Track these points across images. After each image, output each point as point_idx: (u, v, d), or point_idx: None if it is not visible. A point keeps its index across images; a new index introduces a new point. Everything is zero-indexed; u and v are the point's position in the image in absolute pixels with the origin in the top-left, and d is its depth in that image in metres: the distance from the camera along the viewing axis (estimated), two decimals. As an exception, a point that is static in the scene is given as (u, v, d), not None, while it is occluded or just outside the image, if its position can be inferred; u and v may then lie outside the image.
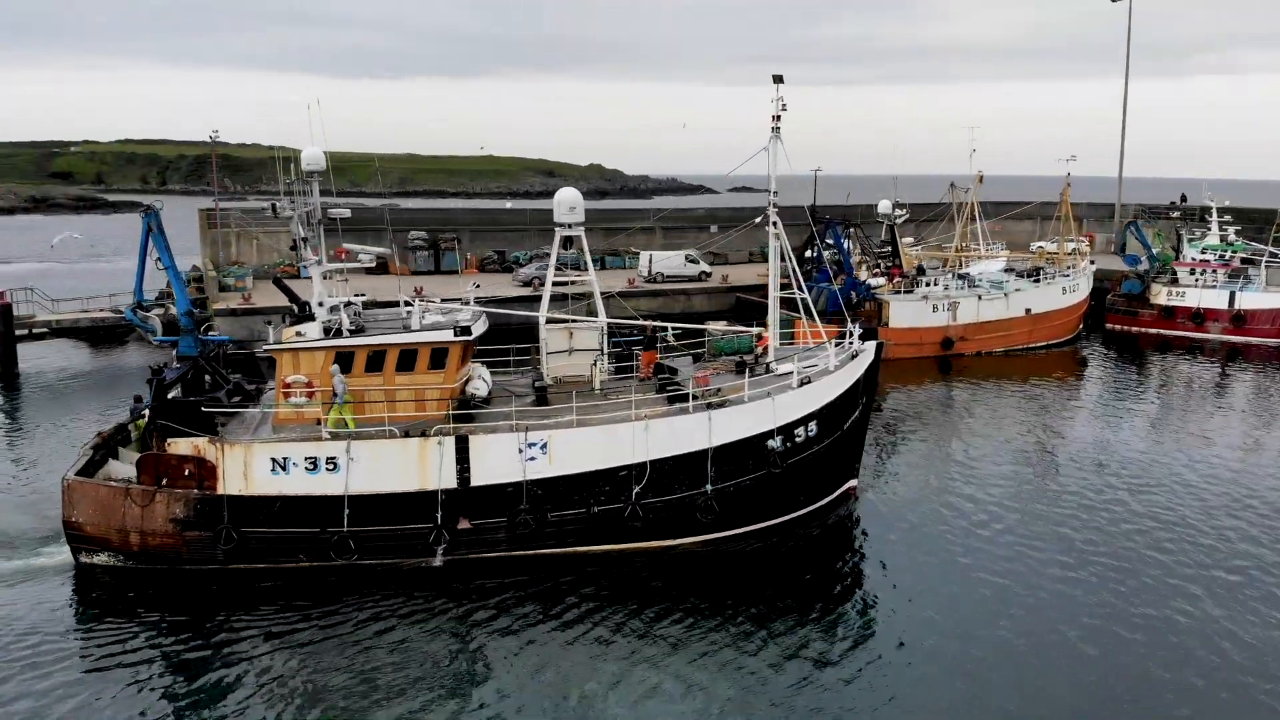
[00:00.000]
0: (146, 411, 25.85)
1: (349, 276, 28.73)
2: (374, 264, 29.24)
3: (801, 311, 30.32)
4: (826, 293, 42.25)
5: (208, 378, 27.98)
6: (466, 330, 25.81)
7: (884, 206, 52.42)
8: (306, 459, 24.05)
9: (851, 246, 52.54)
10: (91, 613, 22.64)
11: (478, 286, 32.69)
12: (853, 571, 25.52)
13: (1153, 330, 56.10)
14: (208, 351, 28.84)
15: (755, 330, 31.16)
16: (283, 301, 31.28)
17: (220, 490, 24.00)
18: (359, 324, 26.54)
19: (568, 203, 30.01)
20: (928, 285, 49.14)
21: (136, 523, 24.18)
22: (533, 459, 24.45)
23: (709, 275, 62.04)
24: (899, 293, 48.73)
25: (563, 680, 19.39)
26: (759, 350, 30.22)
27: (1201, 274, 56.04)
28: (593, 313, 29.90)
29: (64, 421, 36.98)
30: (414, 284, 53.34)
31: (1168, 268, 57.84)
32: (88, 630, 21.72)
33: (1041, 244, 75.76)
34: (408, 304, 27.30)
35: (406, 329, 26.11)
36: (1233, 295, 54.14)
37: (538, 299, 31.91)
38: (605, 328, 29.75)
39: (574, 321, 29.90)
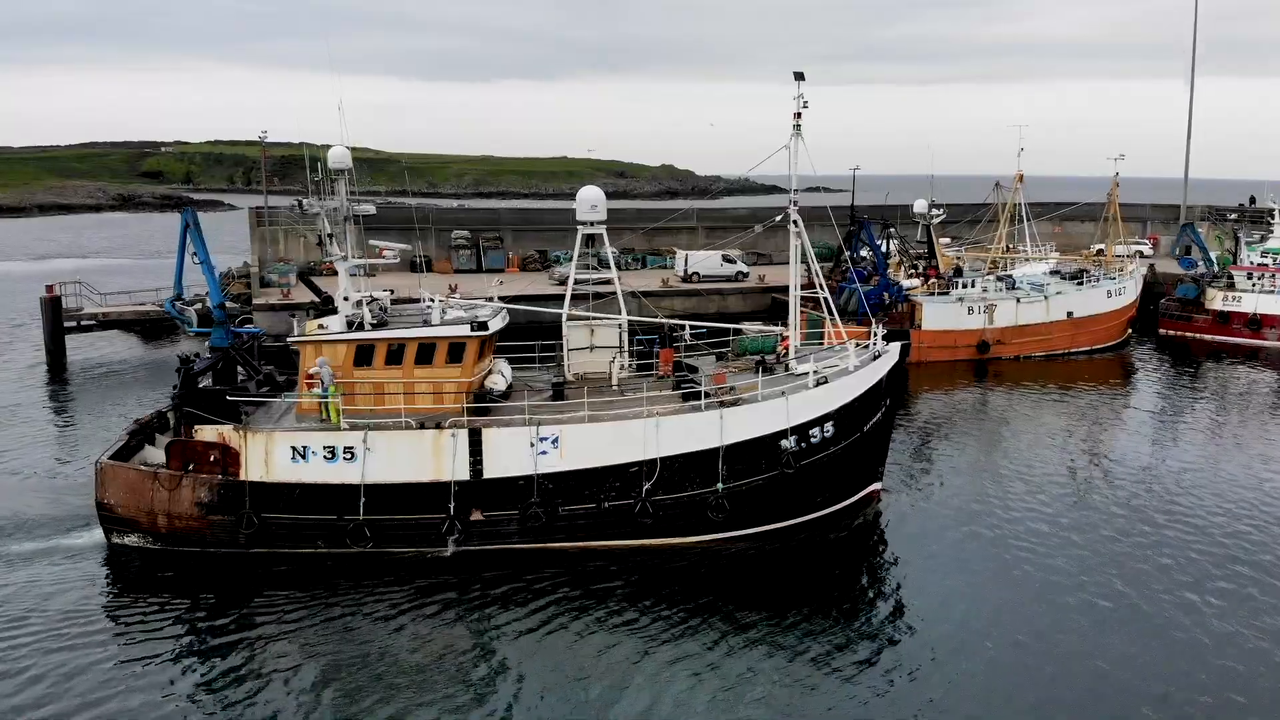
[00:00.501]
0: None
1: (378, 272, 29.41)
2: (397, 259, 29.81)
3: (825, 311, 30.06)
4: (856, 294, 41.76)
5: (240, 368, 28.95)
6: (483, 325, 26.20)
7: (919, 206, 51.52)
8: (325, 448, 24.67)
9: (890, 247, 51.85)
10: (121, 591, 23.60)
11: (501, 284, 33.11)
12: (871, 578, 25.09)
13: (1207, 336, 54.15)
14: (240, 343, 29.83)
15: (778, 330, 30.97)
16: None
17: (243, 476, 24.77)
18: (381, 318, 27.13)
19: (589, 201, 30.26)
20: (964, 287, 48.14)
21: (164, 506, 25.08)
22: (544, 453, 24.70)
23: (746, 275, 61.66)
24: (933, 294, 47.86)
25: (574, 673, 19.51)
26: (780, 350, 30.04)
27: (1260, 279, 53.91)
28: (628, 310, 30.16)
29: (109, 409, 38.52)
30: (449, 281, 54.32)
31: (1224, 272, 55.80)
32: (116, 608, 22.64)
33: (1100, 246, 73.85)
34: (434, 300, 27.78)
35: (427, 324, 26.60)
36: None
37: (584, 298, 32.25)
38: (626, 325, 29.93)
39: (595, 319, 30.11)
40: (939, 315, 46.66)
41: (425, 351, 25.98)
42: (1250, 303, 53.17)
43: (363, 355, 25.85)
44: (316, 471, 24.68)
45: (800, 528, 26.86)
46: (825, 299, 29.50)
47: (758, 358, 29.79)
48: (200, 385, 26.70)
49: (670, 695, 18.68)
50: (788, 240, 71.09)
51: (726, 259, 61.71)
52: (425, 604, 22.46)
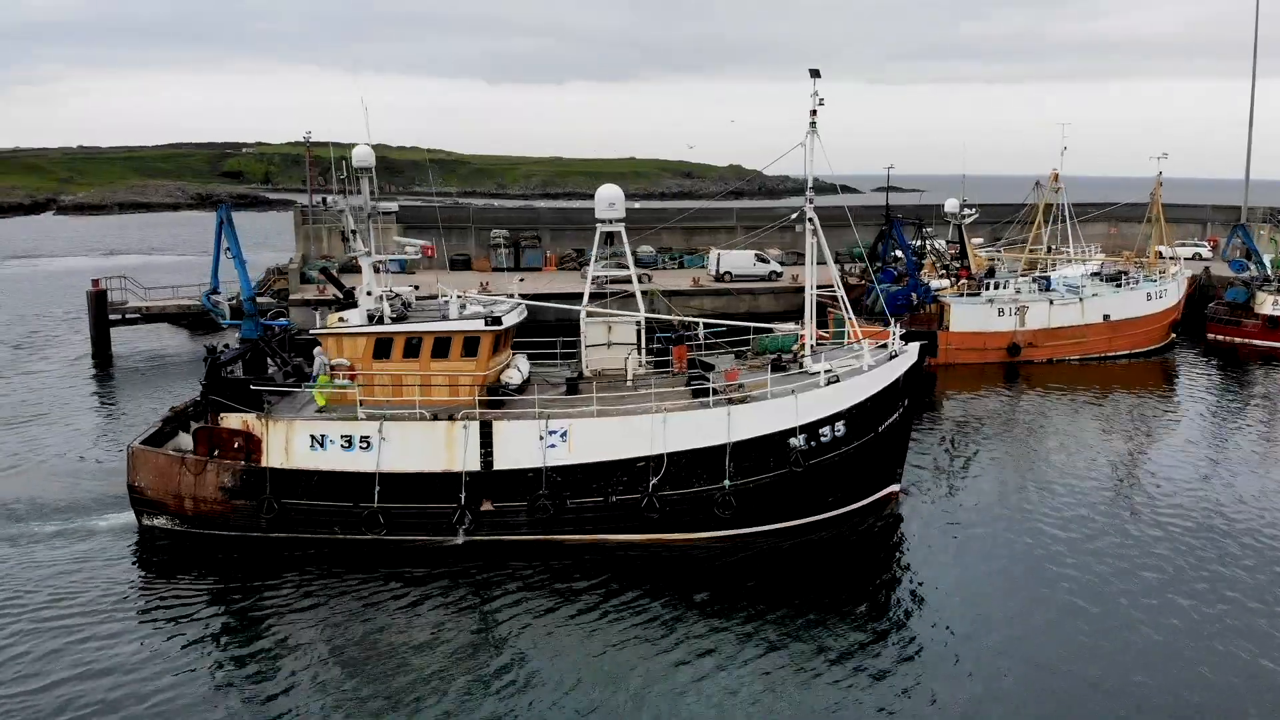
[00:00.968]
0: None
1: (417, 269, 30.14)
2: (418, 255, 30.56)
3: (844, 309, 29.96)
4: (884, 295, 41.40)
5: (270, 359, 29.95)
6: (497, 320, 26.72)
7: (951, 206, 50.78)
8: (342, 437, 25.43)
9: (929, 246, 51.22)
10: (149, 570, 24.67)
11: (522, 280, 33.69)
12: (884, 582, 24.72)
13: (1256, 342, 52.32)
14: (270, 335, 30.84)
15: (793, 329, 30.95)
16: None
17: (264, 463, 25.65)
18: (401, 312, 27.82)
19: (607, 199, 30.65)
20: (995, 288, 47.31)
21: (190, 489, 26.10)
22: (553, 446, 25.10)
23: (779, 275, 61.35)
24: (963, 295, 47.13)
25: (580, 664, 19.75)
26: (796, 349, 30.01)
27: (1313, 283, 52.02)
28: (668, 310, 30.50)
29: (149, 398, 40.05)
30: (481, 279, 55.21)
31: (1277, 275, 53.94)
32: (144, 586, 23.72)
33: (1159, 248, 71.94)
34: (453, 296, 28.39)
35: (445, 318, 27.23)
36: None
37: (601, 295, 32.64)
38: (643, 322, 30.22)
39: (612, 316, 30.45)
40: (968, 316, 45.92)
41: (441, 345, 26.60)
42: None
43: (381, 348, 26.56)
44: (334, 459, 25.45)
45: (813, 527, 26.75)
46: (841, 297, 29.37)
47: (774, 356, 29.84)
48: (226, 375, 27.65)
49: (670, 689, 18.84)
50: (830, 240, 70.45)
51: (760, 258, 61.45)
52: (436, 591, 23.02)
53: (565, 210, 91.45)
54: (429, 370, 26.67)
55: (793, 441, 25.71)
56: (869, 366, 27.28)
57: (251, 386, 26.65)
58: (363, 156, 28.19)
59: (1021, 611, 22.19)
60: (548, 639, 20.84)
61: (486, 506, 25.38)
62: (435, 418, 25.52)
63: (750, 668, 19.62)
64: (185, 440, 28.16)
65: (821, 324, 34.42)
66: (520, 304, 29.20)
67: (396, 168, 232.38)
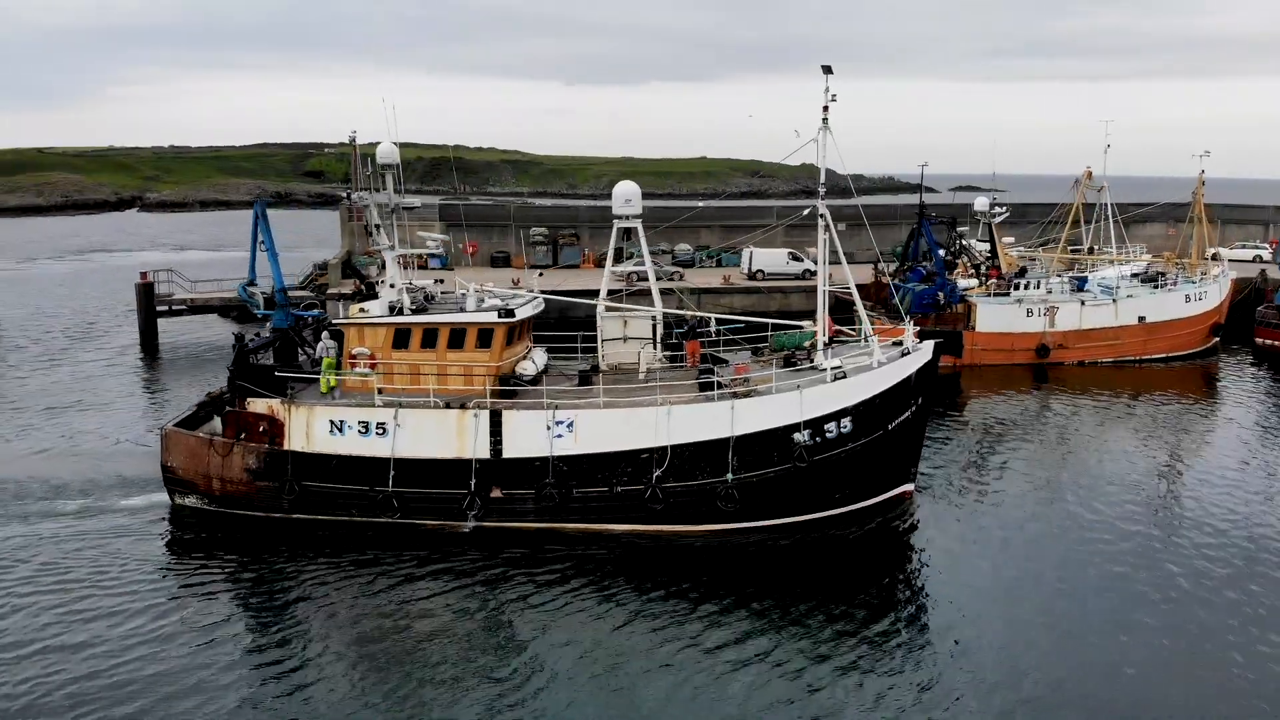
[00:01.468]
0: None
1: (457, 266, 31.14)
2: (439, 249, 31.52)
3: (858, 307, 30.04)
4: (911, 294, 41.16)
5: (300, 348, 31.27)
6: (510, 313, 27.47)
7: (980, 204, 50.11)
8: (360, 423, 26.44)
9: (958, 245, 50.65)
10: (178, 547, 25.92)
11: (541, 275, 34.41)
12: (890, 581, 24.53)
13: (1306, 347, 50.68)
14: (301, 325, 32.18)
15: (808, 325, 31.10)
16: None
17: (287, 446, 26.80)
18: (421, 304, 28.77)
19: (624, 195, 31.16)
20: (1025, 288, 46.57)
21: (218, 470, 27.39)
22: (559, 436, 25.76)
23: (813, 274, 61.11)
24: (991, 295, 46.50)
25: (584, 652, 20.10)
26: (808, 345, 30.18)
27: (1368, 287, 50.10)
28: (684, 306, 30.97)
29: (191, 385, 41.76)
30: (512, 276, 56.23)
31: None
32: (172, 561, 24.98)
33: (1218, 249, 70.01)
34: (479, 289, 29.23)
35: (462, 311, 28.08)
36: None
37: (618, 291, 33.17)
38: (659, 317, 30.69)
39: (628, 311, 31.00)
40: (994, 316, 45.28)
41: (457, 336, 27.45)
42: None
43: (400, 338, 27.51)
44: (351, 444, 26.48)
45: (820, 524, 26.86)
46: (855, 295, 29.47)
47: (788, 352, 30.04)
48: (254, 362, 28.92)
49: (670, 681, 19.12)
50: (868, 239, 70.34)
51: (793, 256, 61.34)
52: (447, 575, 23.73)
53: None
54: (445, 360, 27.54)
55: (796, 437, 25.92)
56: (879, 364, 27.34)
57: (276, 373, 27.85)
58: (385, 154, 29.22)
59: (1028, 619, 21.72)
60: (554, 625, 21.31)
61: (496, 494, 26.16)
62: (448, 406, 26.39)
63: (749, 656, 19.91)
64: (218, 424, 29.51)
65: (849, 322, 34.35)
66: (536, 298, 29.96)
67: (471, 168, 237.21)
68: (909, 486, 28.91)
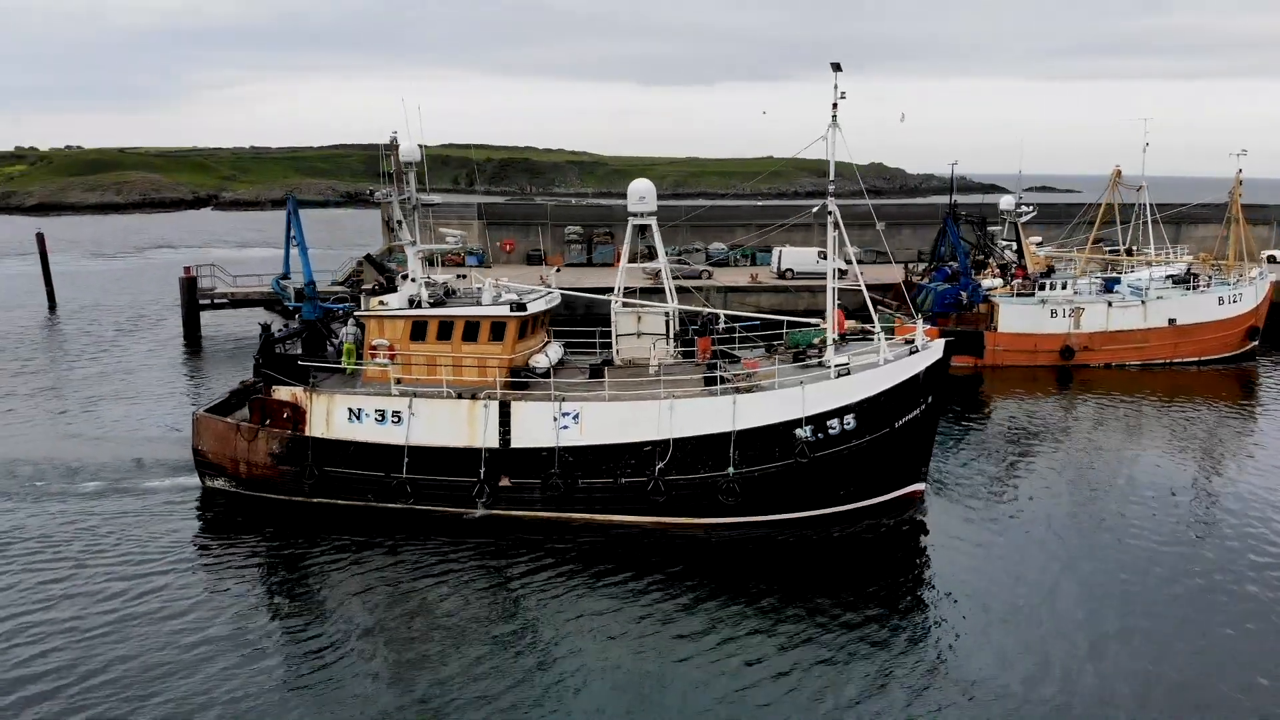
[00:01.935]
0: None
1: (494, 264, 32.10)
2: (459, 244, 32.47)
3: (868, 303, 30.27)
4: (932, 293, 41.05)
5: (329, 339, 32.51)
6: (521, 307, 28.28)
7: (1006, 203, 49.58)
8: (376, 411, 27.49)
9: (987, 244, 50.23)
10: (207, 527, 27.32)
11: (558, 271, 35.17)
12: (894, 577, 24.47)
13: (1351, 353, 49.25)
14: (329, 317, 33.45)
15: (815, 323, 31.36)
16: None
17: (308, 432, 27.97)
18: (439, 298, 29.74)
19: (638, 193, 31.77)
20: (1050, 288, 45.98)
21: (244, 454, 28.69)
22: (565, 427, 26.47)
23: (844, 273, 61.08)
24: (1015, 295, 46.04)
25: (587, 638, 20.65)
26: (818, 342, 30.45)
27: None
28: (712, 304, 31.50)
29: (230, 375, 43.46)
30: (540, 273, 57.13)
31: None
32: (201, 540, 26.36)
33: (1273, 252, 68.22)
34: (495, 284, 30.11)
35: (479, 305, 28.98)
36: None
37: (659, 290, 33.69)
38: (671, 313, 31.25)
39: (643, 307, 31.61)
40: (1017, 317, 44.82)
41: (471, 329, 28.34)
42: None
43: (418, 330, 28.50)
44: (368, 431, 27.54)
45: (824, 520, 27.04)
46: (865, 293, 29.69)
47: (797, 349, 30.37)
48: (280, 351, 30.20)
49: (669, 670, 19.48)
50: (912, 239, 69.83)
51: (823, 255, 61.29)
52: (458, 560, 24.53)
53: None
54: (460, 352, 28.46)
55: (798, 432, 26.20)
56: (885, 361, 27.47)
57: (299, 362, 29.06)
58: (407, 153, 30.28)
59: (1033, 622, 21.48)
60: (559, 611, 21.89)
61: (504, 482, 26.97)
62: (460, 396, 27.29)
63: (747, 645, 20.27)
64: (248, 411, 30.89)
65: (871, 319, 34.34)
66: (551, 292, 30.75)
67: (538, 169, 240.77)
68: (920, 486, 28.87)
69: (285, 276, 37.37)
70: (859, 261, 64.71)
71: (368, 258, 34.68)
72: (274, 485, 28.44)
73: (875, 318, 29.54)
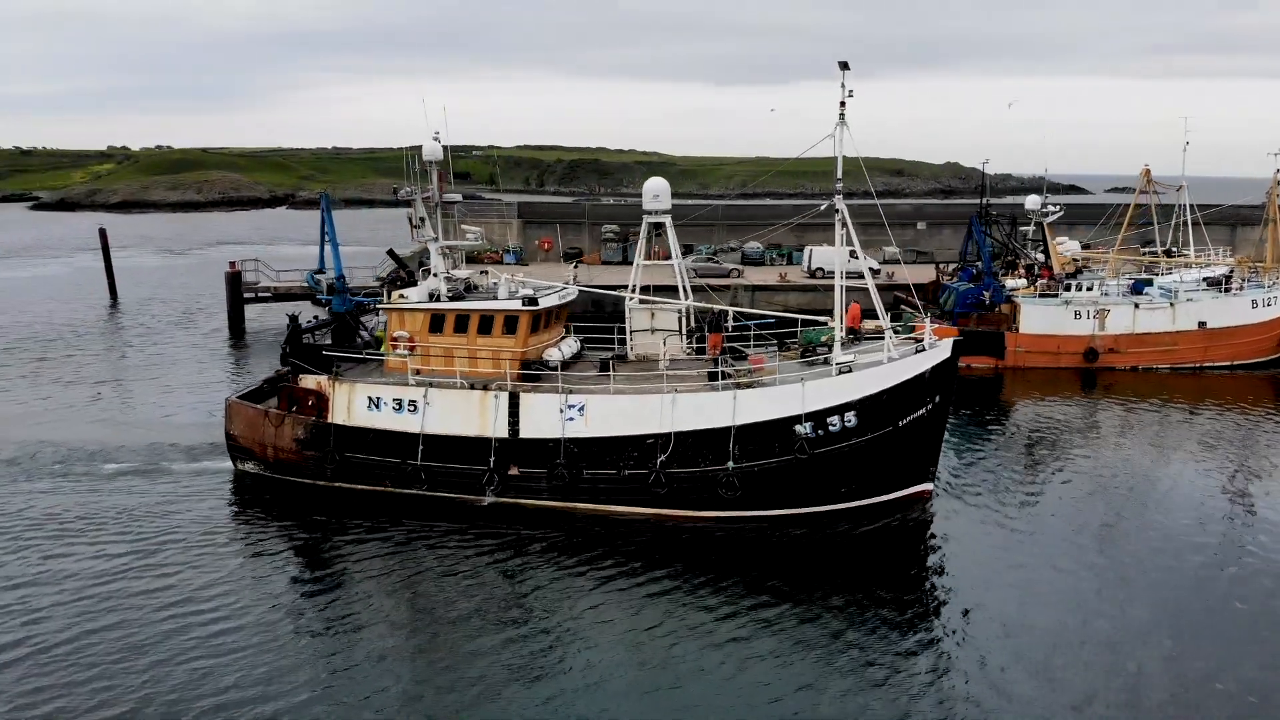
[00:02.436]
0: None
1: (530, 262, 33.28)
2: (479, 241, 33.65)
3: (874, 300, 30.52)
4: (954, 293, 41.01)
5: (357, 331, 34.02)
6: (534, 302, 29.26)
7: (1031, 203, 49.06)
8: (394, 399, 28.75)
9: (1016, 245, 49.84)
10: (237, 507, 28.84)
11: (576, 267, 36.13)
12: (897, 575, 24.40)
13: (1401, 361, 47.64)
14: (359, 309, 34.98)
15: (825, 321, 31.75)
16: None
17: (330, 419, 29.37)
18: (458, 292, 30.90)
19: (652, 191, 32.51)
20: (1076, 289, 45.40)
21: (272, 439, 30.22)
22: (571, 419, 27.36)
23: (876, 273, 60.95)
24: (1039, 295, 45.56)
25: (588, 626, 21.18)
26: (825, 339, 30.84)
27: None
28: (739, 302, 32.15)
29: (271, 365, 45.29)
30: (570, 272, 58.20)
31: None
32: (232, 520, 27.83)
33: None
34: (510, 279, 31.19)
35: (494, 300, 30.07)
36: None
37: (653, 286, 34.41)
38: (683, 310, 31.95)
39: (656, 303, 32.38)
40: (1039, 318, 44.33)
41: (485, 322, 29.40)
42: None
43: (436, 323, 29.68)
44: (386, 419, 28.79)
45: (826, 518, 27.24)
46: (872, 291, 30.00)
47: (804, 346, 30.81)
48: (308, 341, 31.70)
49: (667, 660, 19.90)
50: (954, 238, 69.17)
51: (854, 254, 61.06)
52: (468, 545, 25.45)
53: (679, 208, 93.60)
54: (475, 345, 29.57)
55: (798, 429, 26.64)
56: (889, 360, 27.72)
57: (323, 352, 30.50)
58: (430, 152, 31.53)
59: (1034, 625, 21.23)
60: (564, 598, 22.53)
61: (513, 471, 27.98)
62: (473, 387, 28.40)
63: (746, 637, 20.54)
64: (280, 399, 32.47)
65: (896, 318, 34.55)
66: (566, 288, 31.73)
67: (606, 170, 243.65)
68: (927, 486, 28.79)
69: (320, 271, 39.16)
70: (900, 261, 65.05)
71: (390, 252, 36.05)
72: (299, 469, 29.90)
73: (884, 316, 29.79)
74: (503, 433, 27.86)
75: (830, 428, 26.91)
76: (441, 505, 27.94)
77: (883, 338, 30.09)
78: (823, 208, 31.42)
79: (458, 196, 32.62)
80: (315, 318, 34.28)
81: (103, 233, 71.76)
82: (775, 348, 32.34)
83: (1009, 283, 46.11)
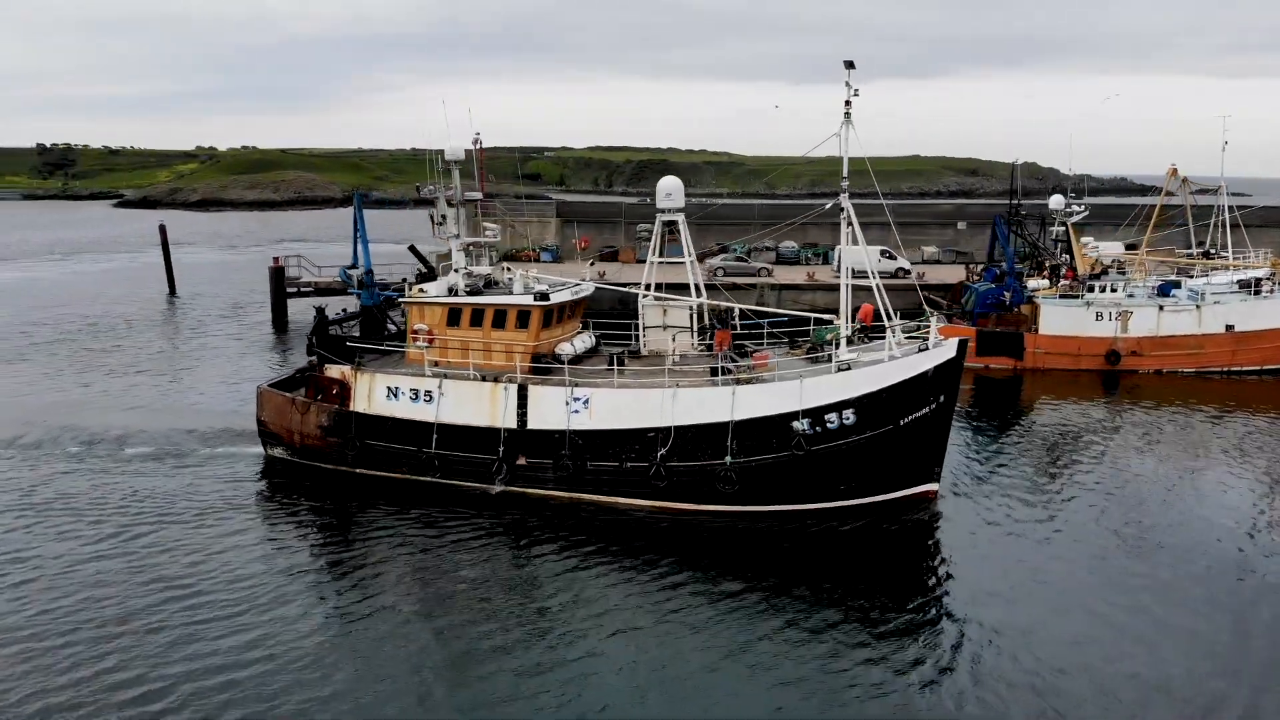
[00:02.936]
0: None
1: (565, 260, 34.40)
2: (497, 239, 34.90)
3: (879, 299, 30.91)
4: (975, 293, 41.03)
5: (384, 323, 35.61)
6: (545, 297, 30.36)
7: (1055, 203, 48.52)
8: (411, 390, 30.15)
9: (1043, 245, 49.45)
10: (265, 490, 30.49)
11: (591, 264, 37.14)
12: (897, 575, 24.65)
13: None
14: (386, 303, 36.56)
15: (828, 319, 32.23)
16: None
17: (352, 408, 30.91)
18: (476, 287, 32.18)
19: (665, 189, 33.38)
20: (1099, 290, 44.87)
21: (298, 426, 31.89)
22: (576, 411, 28.40)
23: (908, 273, 60.85)
24: (1060, 296, 45.14)
25: (589, 616, 21.62)
26: (831, 338, 31.33)
27: None
28: (765, 301, 32.87)
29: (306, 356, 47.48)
30: (599, 269, 59.28)
31: None
32: (261, 502, 29.47)
33: None
34: (525, 275, 32.35)
35: (510, 295, 31.26)
36: None
37: (711, 287, 35.23)
38: (693, 307, 32.75)
39: (669, 300, 33.24)
40: (1060, 319, 43.89)
41: (499, 316, 30.61)
42: None
43: (453, 317, 30.98)
44: (404, 409, 30.20)
45: (825, 515, 27.57)
46: (876, 292, 30.43)
47: (815, 344, 31.33)
48: (335, 332, 33.33)
49: (664, 653, 20.32)
50: (992, 239, 68.37)
51: (886, 255, 61.07)
52: (479, 531, 26.52)
53: (709, 208, 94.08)
54: (490, 338, 30.81)
55: (795, 425, 27.16)
56: (890, 358, 28.09)
57: (347, 343, 32.06)
58: (452, 152, 32.90)
59: (1034, 631, 21.08)
60: (566, 586, 23.25)
61: (521, 461, 29.14)
62: (484, 379, 29.63)
63: (744, 634, 20.89)
64: (311, 387, 34.14)
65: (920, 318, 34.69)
66: (580, 284, 32.80)
67: (675, 170, 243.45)
68: (932, 486, 28.85)
69: (352, 266, 40.84)
70: (939, 261, 64.69)
71: (411, 248, 37.51)
72: (323, 455, 31.50)
73: (891, 314, 30.15)
74: (511, 424, 29.03)
75: (828, 425, 27.31)
76: (454, 493, 29.18)
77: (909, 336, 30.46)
78: (827, 206, 31.93)
79: (478, 195, 33.86)
80: (344, 310, 35.92)
81: (162, 229, 75.01)
82: (785, 345, 32.97)
83: (1031, 283, 45.80)
